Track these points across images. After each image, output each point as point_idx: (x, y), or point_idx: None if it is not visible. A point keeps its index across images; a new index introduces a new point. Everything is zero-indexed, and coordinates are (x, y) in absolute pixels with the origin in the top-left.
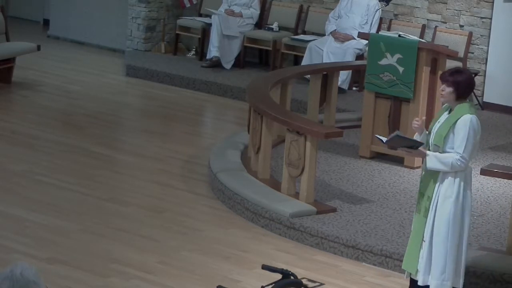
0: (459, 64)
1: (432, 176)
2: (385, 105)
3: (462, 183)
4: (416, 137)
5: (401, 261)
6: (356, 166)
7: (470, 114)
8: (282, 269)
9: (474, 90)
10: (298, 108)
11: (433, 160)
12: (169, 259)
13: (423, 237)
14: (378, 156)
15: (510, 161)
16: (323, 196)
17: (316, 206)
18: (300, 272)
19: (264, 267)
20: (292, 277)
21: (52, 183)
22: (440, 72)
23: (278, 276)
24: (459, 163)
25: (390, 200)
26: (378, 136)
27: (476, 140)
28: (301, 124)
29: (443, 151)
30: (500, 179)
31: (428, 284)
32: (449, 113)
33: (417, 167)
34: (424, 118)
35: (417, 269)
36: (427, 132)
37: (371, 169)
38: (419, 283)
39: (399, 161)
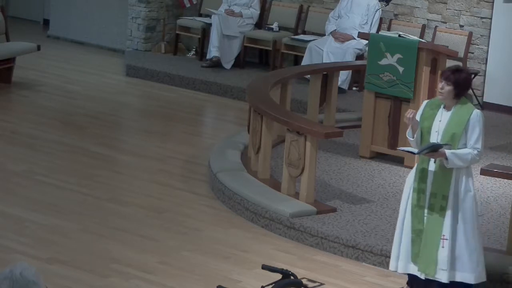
0: (459, 64)
1: (444, 175)
2: (385, 105)
3: (472, 177)
4: (409, 132)
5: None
6: (356, 166)
7: (476, 109)
8: (282, 269)
9: (474, 90)
10: (298, 108)
11: (454, 158)
12: (169, 259)
13: (442, 235)
14: (378, 156)
15: (510, 161)
16: (323, 196)
17: (316, 206)
18: (300, 272)
19: (264, 267)
20: (292, 277)
21: (52, 183)
22: (440, 72)
23: (278, 276)
24: (477, 158)
25: (390, 200)
26: (405, 149)
27: None
28: (301, 124)
29: (456, 149)
30: (500, 179)
31: (456, 280)
32: (447, 110)
33: None
34: (414, 111)
35: (438, 268)
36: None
37: (371, 169)
38: (444, 281)
39: (399, 161)
